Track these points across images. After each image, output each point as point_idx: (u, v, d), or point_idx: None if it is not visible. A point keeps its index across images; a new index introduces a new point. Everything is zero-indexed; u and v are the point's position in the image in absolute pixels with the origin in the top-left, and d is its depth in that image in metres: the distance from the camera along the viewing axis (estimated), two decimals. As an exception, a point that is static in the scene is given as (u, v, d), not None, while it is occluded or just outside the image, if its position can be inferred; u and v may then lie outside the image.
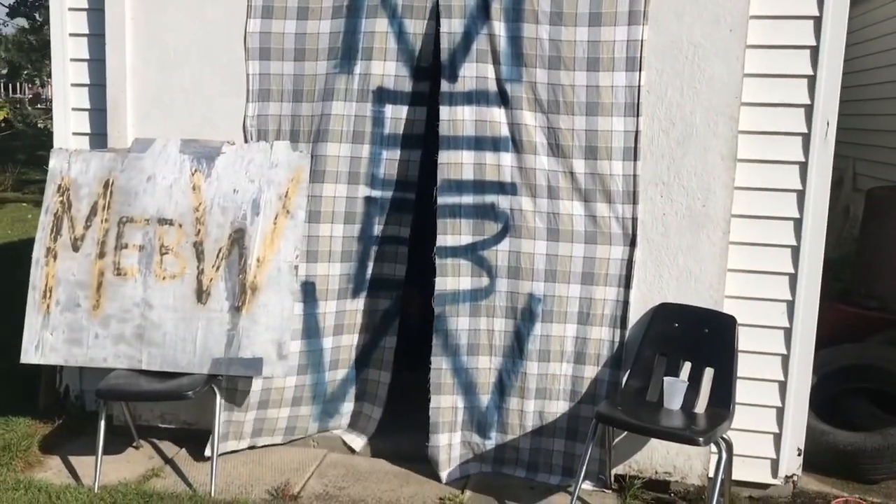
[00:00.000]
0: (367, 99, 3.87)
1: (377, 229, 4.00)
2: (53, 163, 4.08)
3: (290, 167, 3.89)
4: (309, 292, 3.97)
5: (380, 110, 3.89)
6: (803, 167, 3.59)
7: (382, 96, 3.88)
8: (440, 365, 3.80)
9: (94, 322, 3.88)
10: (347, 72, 3.85)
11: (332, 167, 3.92)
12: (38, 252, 3.97)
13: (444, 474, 3.84)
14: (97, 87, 4.21)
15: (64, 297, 3.91)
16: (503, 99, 3.71)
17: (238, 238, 3.85)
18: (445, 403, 3.82)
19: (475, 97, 3.72)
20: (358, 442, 4.11)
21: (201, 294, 3.84)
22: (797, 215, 3.62)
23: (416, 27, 3.80)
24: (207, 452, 3.90)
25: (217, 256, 3.86)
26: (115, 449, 4.04)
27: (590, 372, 3.74)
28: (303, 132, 3.93)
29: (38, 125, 12.67)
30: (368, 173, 3.94)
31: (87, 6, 4.18)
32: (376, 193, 3.96)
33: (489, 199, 3.76)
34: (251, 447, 4.06)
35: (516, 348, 3.80)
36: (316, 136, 3.92)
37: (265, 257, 3.81)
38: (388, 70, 3.85)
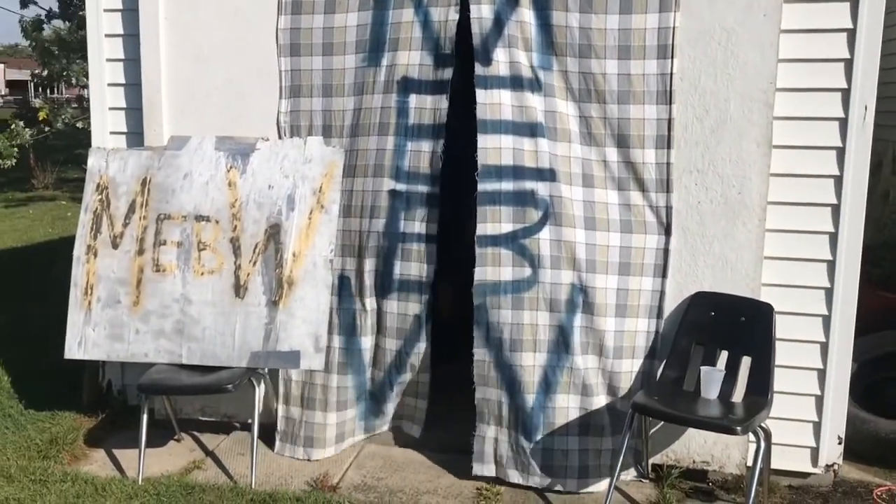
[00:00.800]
0: (392, 90, 3.85)
1: (402, 225, 3.90)
2: (92, 161, 4.16)
3: (324, 162, 3.93)
4: (345, 286, 4.01)
5: (404, 100, 3.85)
6: (840, 152, 3.54)
7: (407, 86, 3.83)
8: (483, 357, 3.75)
9: (135, 318, 3.96)
10: (375, 64, 3.86)
11: (361, 161, 3.94)
12: (78, 250, 4.05)
13: (483, 468, 3.78)
14: (133, 86, 4.28)
15: (105, 293, 3.99)
16: (538, 85, 3.67)
17: (274, 233, 3.90)
18: (490, 396, 3.76)
19: (511, 81, 3.68)
20: (415, 429, 4.07)
21: (239, 289, 3.89)
22: (835, 201, 3.57)
23: (440, 15, 3.77)
24: (279, 450, 4.01)
25: (254, 251, 3.91)
26: (157, 442, 4.13)
27: (627, 366, 3.69)
28: (335, 127, 3.96)
29: (77, 125, 12.94)
30: (393, 166, 3.88)
31: (121, 7, 4.25)
32: (401, 187, 3.89)
33: (528, 185, 3.69)
34: (307, 459, 4.02)
35: (562, 343, 3.70)
36: (349, 131, 3.95)
37: (301, 252, 3.86)
38: (412, 59, 3.82)
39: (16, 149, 11.65)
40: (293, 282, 3.83)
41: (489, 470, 3.80)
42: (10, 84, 45.54)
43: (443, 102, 3.83)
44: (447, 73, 3.81)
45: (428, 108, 3.84)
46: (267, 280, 3.87)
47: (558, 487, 3.72)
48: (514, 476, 3.77)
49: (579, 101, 3.66)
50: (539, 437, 3.74)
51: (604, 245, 3.67)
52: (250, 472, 3.73)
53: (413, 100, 3.84)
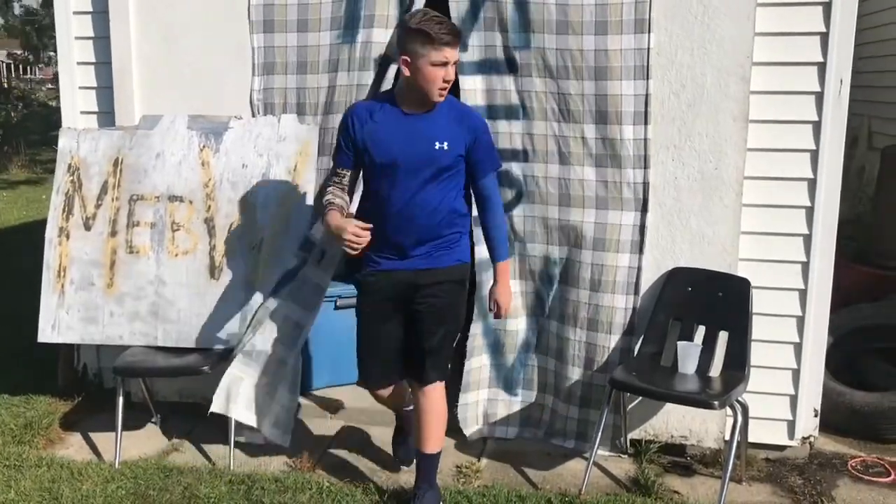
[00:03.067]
0: (369, 67, 3.79)
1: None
2: (63, 142, 4.09)
3: (299, 140, 3.88)
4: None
5: (375, 76, 3.80)
6: (816, 126, 3.54)
7: (383, 63, 3.80)
8: (476, 330, 3.87)
9: (109, 300, 3.91)
10: (350, 41, 3.81)
11: (330, 139, 3.87)
12: (50, 232, 3.99)
13: (469, 431, 3.90)
14: (103, 64, 4.20)
15: (78, 276, 3.94)
16: (511, 66, 3.68)
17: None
18: (476, 364, 3.89)
19: (485, 66, 3.70)
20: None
21: (214, 270, 3.85)
22: (811, 175, 3.57)
23: None
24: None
25: (228, 232, 3.86)
26: (134, 425, 4.09)
27: (602, 340, 3.72)
28: (309, 105, 3.91)
29: (50, 103, 12.86)
30: None
31: (90, -18, 4.16)
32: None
33: (503, 166, 3.72)
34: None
35: (538, 308, 3.86)
36: (323, 109, 3.89)
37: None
38: (389, 38, 3.77)
39: None
40: (269, 263, 3.79)
41: (479, 432, 3.94)
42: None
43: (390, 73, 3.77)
44: None
45: (388, 77, 3.77)
46: (242, 261, 3.82)
47: (527, 434, 3.94)
48: (500, 431, 3.95)
49: (557, 78, 3.64)
50: (518, 391, 3.94)
51: (578, 221, 3.68)
52: (229, 454, 3.71)
53: (379, 74, 3.80)
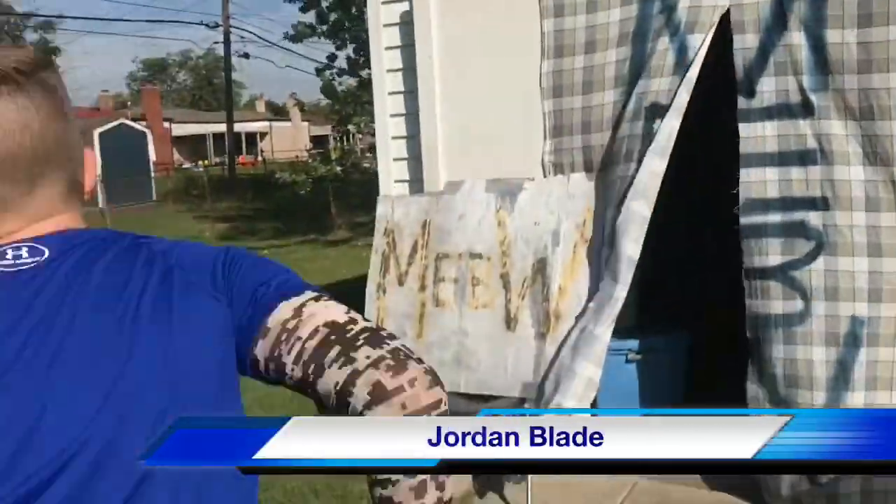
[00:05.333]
0: (641, 117, 3.83)
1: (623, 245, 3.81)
2: (380, 209, 4.63)
3: (586, 197, 4.03)
4: None
5: (650, 126, 3.81)
6: None
7: (654, 112, 3.80)
8: (756, 393, 3.63)
9: (419, 349, 4.30)
10: (629, 94, 3.89)
11: (609, 191, 3.95)
12: (370, 288, 4.52)
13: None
14: (412, 138, 4.70)
15: (393, 327, 4.39)
16: (809, 109, 3.52)
17: (540, 268, 4.06)
18: None
19: (776, 111, 3.58)
20: None
21: (510, 321, 4.09)
22: None
23: (696, 41, 3.72)
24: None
25: (522, 286, 4.09)
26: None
27: (927, 398, 3.36)
28: (594, 161, 4.05)
29: (365, 165, 14.55)
30: (622, 189, 3.83)
31: (401, 66, 4.70)
32: (623, 208, 3.81)
33: (798, 215, 3.56)
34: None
35: (840, 379, 3.47)
36: (603, 164, 4.01)
37: (566, 286, 3.98)
38: (662, 86, 3.78)
39: (310, 179, 13.32)
40: (560, 315, 3.96)
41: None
42: (314, 139, 51.13)
43: (673, 126, 3.76)
44: (685, 98, 3.74)
45: (667, 131, 3.76)
46: (535, 313, 4.03)
47: None
48: None
49: (860, 119, 3.43)
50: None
51: (893, 272, 3.38)
52: (526, 499, 3.85)
53: (657, 124, 3.80)
